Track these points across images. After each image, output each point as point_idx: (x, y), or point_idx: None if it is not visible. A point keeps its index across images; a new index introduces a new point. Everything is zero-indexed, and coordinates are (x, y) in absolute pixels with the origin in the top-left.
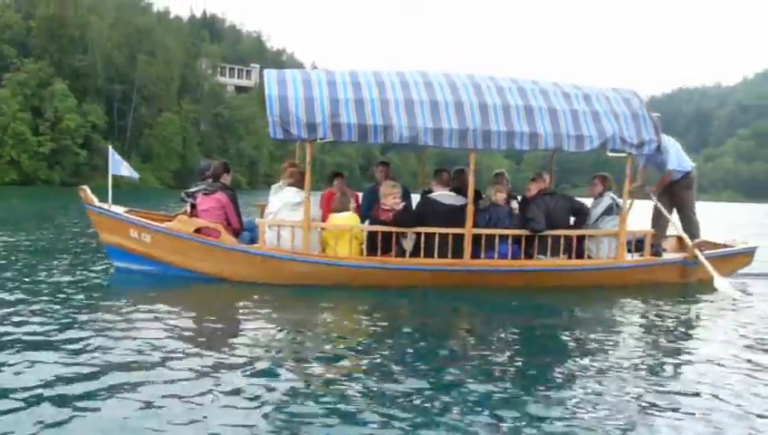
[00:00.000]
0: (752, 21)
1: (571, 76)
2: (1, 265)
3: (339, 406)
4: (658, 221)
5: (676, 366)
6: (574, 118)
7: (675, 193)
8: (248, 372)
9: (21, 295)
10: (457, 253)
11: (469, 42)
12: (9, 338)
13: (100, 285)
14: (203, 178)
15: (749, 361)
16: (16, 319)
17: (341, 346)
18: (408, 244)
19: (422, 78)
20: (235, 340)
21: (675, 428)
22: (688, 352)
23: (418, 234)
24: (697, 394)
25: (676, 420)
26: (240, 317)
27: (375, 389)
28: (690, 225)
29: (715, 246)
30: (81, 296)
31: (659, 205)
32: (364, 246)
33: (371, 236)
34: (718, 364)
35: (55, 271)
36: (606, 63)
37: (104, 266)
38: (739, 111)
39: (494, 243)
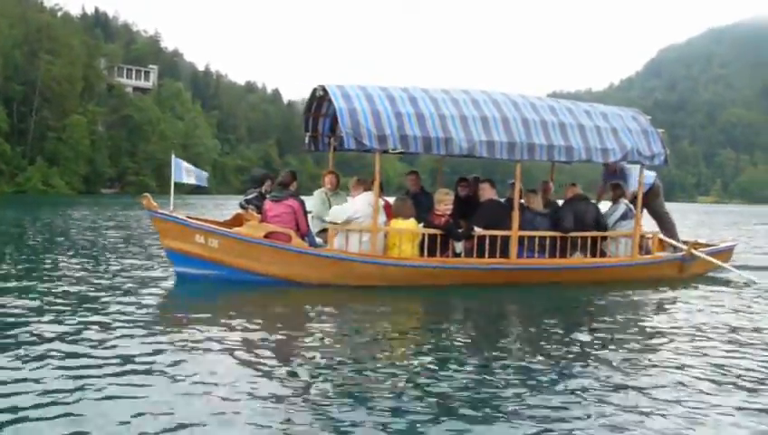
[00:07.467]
0: (614, 33)
1: (448, 82)
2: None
3: (392, 403)
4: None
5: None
6: (599, 133)
7: (643, 202)
8: (320, 372)
9: (84, 293)
10: (504, 253)
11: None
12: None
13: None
14: (257, 186)
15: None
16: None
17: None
18: (459, 246)
19: (467, 95)
20: (308, 340)
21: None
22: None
23: (470, 237)
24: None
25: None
26: (312, 317)
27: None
28: (672, 227)
29: (701, 245)
30: (151, 301)
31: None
32: (425, 248)
33: (429, 238)
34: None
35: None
36: (484, 69)
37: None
38: None
39: (534, 244)
